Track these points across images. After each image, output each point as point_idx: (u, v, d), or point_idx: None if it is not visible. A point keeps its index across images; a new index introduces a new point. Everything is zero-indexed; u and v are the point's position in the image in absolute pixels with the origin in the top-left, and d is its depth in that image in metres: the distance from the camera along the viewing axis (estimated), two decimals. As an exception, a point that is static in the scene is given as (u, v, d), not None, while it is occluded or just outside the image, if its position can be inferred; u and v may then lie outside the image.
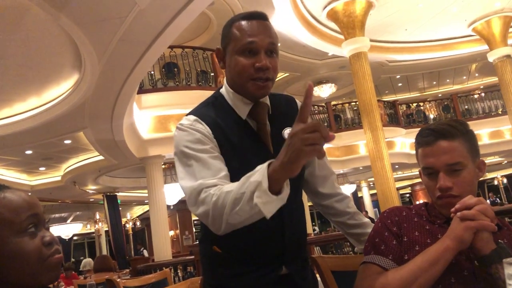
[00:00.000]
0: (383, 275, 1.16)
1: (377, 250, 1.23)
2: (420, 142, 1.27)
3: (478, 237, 1.09)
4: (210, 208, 1.14)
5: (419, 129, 1.34)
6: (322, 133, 0.96)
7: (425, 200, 1.84)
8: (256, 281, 1.33)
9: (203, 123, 1.31)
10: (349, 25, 9.47)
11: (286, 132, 1.36)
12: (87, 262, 8.34)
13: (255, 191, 1.03)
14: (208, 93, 1.54)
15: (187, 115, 1.36)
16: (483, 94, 15.57)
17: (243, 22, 1.30)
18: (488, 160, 18.14)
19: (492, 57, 11.84)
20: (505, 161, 19.44)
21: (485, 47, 12.14)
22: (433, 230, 1.23)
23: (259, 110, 1.35)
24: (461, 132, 1.23)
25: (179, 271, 6.71)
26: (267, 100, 1.39)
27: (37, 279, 0.88)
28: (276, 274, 1.35)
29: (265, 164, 1.04)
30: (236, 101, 1.36)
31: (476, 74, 17.24)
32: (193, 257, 6.23)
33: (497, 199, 19.62)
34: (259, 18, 1.32)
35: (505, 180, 23.28)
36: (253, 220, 1.11)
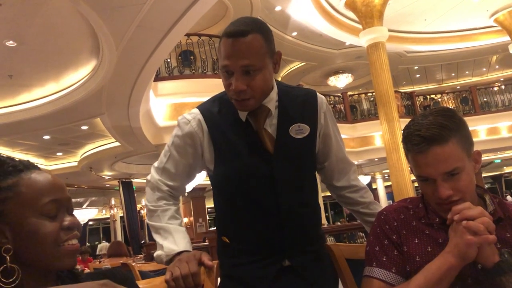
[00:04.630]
0: None
1: (379, 262, 1.21)
2: (410, 149, 1.16)
3: (480, 253, 1.06)
4: (147, 205, 1.45)
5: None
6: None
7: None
8: (258, 272, 1.37)
9: (202, 120, 1.40)
10: (368, 14, 9.34)
11: (294, 130, 1.39)
12: (103, 246, 8.50)
13: (159, 250, 1.35)
14: (224, 82, 1.55)
15: (197, 107, 1.45)
16: (503, 87, 15.27)
17: (223, 40, 1.28)
18: (506, 154, 17.85)
19: (513, 49, 11.61)
20: (524, 155, 19.11)
21: (507, 38, 11.89)
22: (433, 234, 1.20)
23: (257, 113, 1.37)
24: (453, 131, 1.12)
25: (192, 257, 6.76)
26: (271, 101, 1.39)
27: (52, 263, 0.88)
28: (278, 266, 1.37)
29: (175, 252, 1.31)
30: None
31: (497, 66, 16.93)
32: (207, 243, 6.29)
33: None
34: (236, 36, 1.25)
35: (523, 175, 22.93)
36: None
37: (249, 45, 1.25)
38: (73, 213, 0.95)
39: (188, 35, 8.61)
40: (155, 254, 1.37)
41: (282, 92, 1.43)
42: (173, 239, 1.34)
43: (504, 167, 23.83)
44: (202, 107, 1.44)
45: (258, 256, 1.38)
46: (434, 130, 1.12)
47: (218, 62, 1.33)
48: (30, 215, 0.87)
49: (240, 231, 1.41)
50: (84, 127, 8.85)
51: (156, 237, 1.38)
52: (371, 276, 1.20)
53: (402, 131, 1.21)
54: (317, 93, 1.49)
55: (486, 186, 24.35)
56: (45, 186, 0.90)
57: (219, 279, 1.41)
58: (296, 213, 1.39)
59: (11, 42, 5.67)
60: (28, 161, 0.97)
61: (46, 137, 9.29)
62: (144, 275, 2.98)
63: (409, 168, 1.26)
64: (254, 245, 1.39)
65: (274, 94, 1.40)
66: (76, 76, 6.97)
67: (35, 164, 0.98)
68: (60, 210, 0.91)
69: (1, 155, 0.97)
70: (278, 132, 1.38)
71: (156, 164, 1.48)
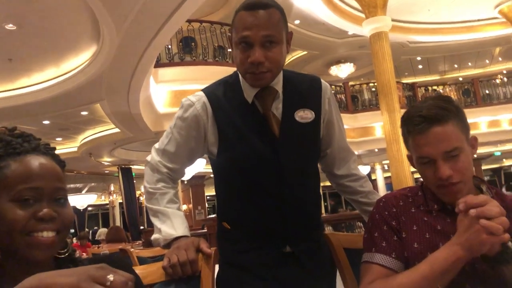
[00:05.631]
0: (387, 284, 1.14)
1: (378, 247, 1.21)
2: (411, 130, 1.19)
3: None
4: (146, 187, 1.43)
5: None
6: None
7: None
8: (259, 258, 1.37)
9: (207, 102, 1.38)
10: (371, 3, 9.26)
11: (299, 115, 1.39)
12: (102, 231, 8.53)
13: (156, 233, 1.36)
14: (225, 69, 1.56)
15: (201, 90, 1.43)
16: (505, 79, 15.20)
17: (242, 13, 1.29)
18: (507, 147, 17.84)
19: (517, 41, 11.53)
20: (524, 149, 19.08)
21: (511, 30, 11.81)
22: (431, 221, 1.20)
23: (265, 95, 1.37)
24: (453, 112, 1.17)
25: (191, 244, 6.78)
26: (278, 83, 1.39)
27: (20, 252, 0.85)
28: (279, 252, 1.37)
29: (173, 236, 1.31)
30: (245, 84, 1.38)
31: (500, 58, 16.84)
32: (205, 230, 6.31)
33: None
34: (257, 8, 1.27)
35: (523, 168, 22.92)
36: None
37: (270, 16, 1.27)
38: (64, 204, 0.91)
39: (189, 21, 8.55)
40: (152, 237, 1.37)
41: (287, 78, 1.43)
42: (172, 223, 1.34)
43: (504, 160, 23.83)
44: (207, 90, 1.43)
45: (260, 243, 1.38)
46: (435, 111, 1.15)
47: (233, 36, 1.32)
48: (5, 200, 0.85)
49: (242, 216, 1.41)
50: (84, 113, 8.83)
51: (154, 220, 1.38)
52: (371, 261, 1.20)
53: (402, 116, 1.24)
54: (322, 80, 1.49)
55: (486, 178, 24.36)
56: (30, 172, 0.88)
57: (217, 266, 1.41)
58: (299, 199, 1.39)
59: (10, 25, 5.62)
60: (38, 143, 0.94)
61: (46, 122, 9.27)
62: (142, 261, 2.99)
63: (407, 156, 1.27)
64: (255, 231, 1.39)
65: (281, 77, 1.40)
66: (76, 61, 6.93)
67: (48, 147, 0.95)
68: (39, 199, 0.88)
69: (14, 134, 0.94)
70: (284, 116, 1.38)
71: (157, 145, 1.47)
